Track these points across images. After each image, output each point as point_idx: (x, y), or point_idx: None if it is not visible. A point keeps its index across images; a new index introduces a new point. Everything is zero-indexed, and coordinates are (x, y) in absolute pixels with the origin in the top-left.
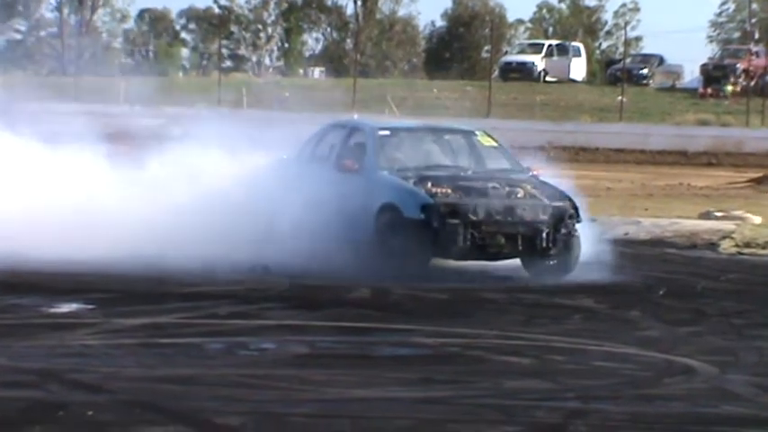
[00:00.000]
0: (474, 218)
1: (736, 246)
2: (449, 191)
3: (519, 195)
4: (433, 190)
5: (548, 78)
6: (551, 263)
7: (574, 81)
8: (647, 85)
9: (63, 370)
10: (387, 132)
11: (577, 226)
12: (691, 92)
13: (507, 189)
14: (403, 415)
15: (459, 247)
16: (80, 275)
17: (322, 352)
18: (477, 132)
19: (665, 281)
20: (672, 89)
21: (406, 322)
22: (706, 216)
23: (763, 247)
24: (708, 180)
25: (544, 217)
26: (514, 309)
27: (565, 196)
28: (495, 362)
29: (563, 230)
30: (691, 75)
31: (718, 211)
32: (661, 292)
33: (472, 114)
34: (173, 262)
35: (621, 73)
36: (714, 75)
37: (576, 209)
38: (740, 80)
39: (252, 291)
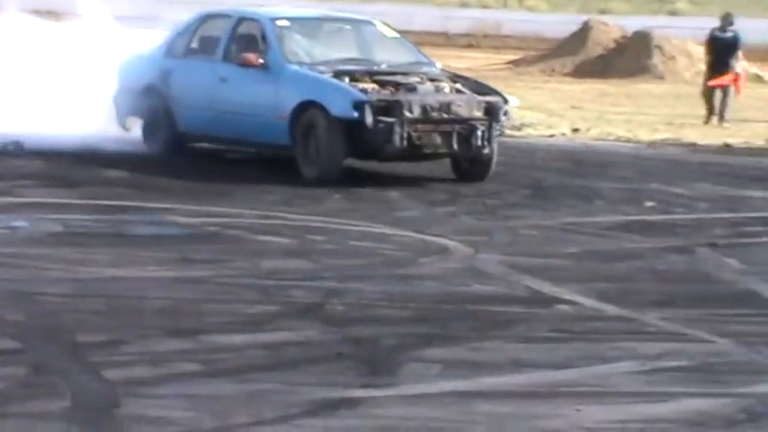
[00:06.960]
0: (410, 115)
1: None
2: (377, 87)
3: (446, 91)
4: (361, 86)
5: None
6: (478, 164)
7: None
8: None
9: None
10: (286, 23)
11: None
12: None
13: (432, 84)
14: (160, 295)
15: (395, 147)
16: None
17: (77, 230)
18: (374, 22)
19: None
20: None
21: (165, 201)
22: None
23: (519, 129)
24: (468, 62)
25: (479, 113)
26: (276, 189)
27: (494, 91)
28: (254, 241)
29: (496, 128)
30: None
31: None
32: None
33: None
34: None
35: None
36: None
37: (506, 103)
38: None
39: (4, 167)
